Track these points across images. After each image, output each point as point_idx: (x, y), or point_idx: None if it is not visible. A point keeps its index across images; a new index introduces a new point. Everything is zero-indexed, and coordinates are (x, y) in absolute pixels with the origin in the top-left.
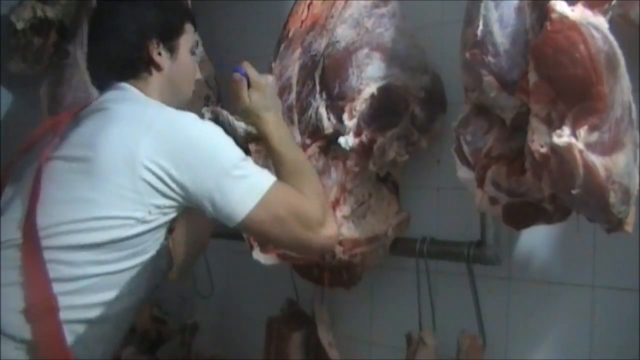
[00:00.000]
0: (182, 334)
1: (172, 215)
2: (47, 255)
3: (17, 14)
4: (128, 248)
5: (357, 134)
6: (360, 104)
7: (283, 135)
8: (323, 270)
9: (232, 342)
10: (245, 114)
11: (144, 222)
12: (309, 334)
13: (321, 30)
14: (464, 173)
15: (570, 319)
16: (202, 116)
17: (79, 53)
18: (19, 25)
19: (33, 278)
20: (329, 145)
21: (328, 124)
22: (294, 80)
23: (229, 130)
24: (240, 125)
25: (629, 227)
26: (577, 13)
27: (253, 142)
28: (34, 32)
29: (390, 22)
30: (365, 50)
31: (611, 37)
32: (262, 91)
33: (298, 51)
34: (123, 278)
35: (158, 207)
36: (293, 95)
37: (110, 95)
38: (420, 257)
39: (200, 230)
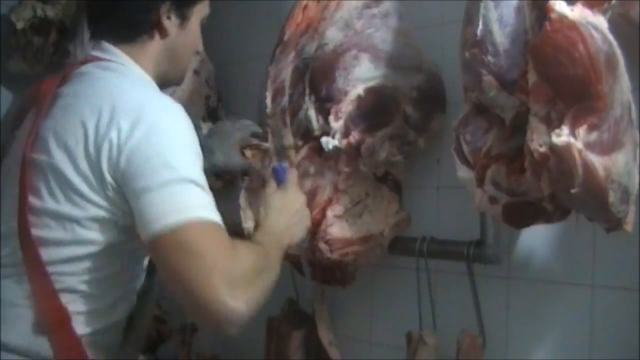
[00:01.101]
0: (182, 334)
1: None
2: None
3: (17, 13)
4: (121, 254)
5: (346, 135)
6: (346, 106)
7: (270, 249)
8: (315, 267)
9: (232, 342)
10: (257, 210)
11: (114, 223)
12: (309, 333)
13: (313, 33)
14: (464, 172)
15: (570, 318)
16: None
17: (79, 53)
18: (19, 25)
19: (40, 292)
20: (321, 146)
21: (317, 125)
22: (287, 83)
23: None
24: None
25: (629, 226)
26: (577, 13)
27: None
28: (34, 32)
29: (382, 22)
30: (353, 52)
31: (610, 37)
32: (277, 212)
33: (292, 54)
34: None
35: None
36: (286, 98)
37: (90, 68)
38: (420, 257)
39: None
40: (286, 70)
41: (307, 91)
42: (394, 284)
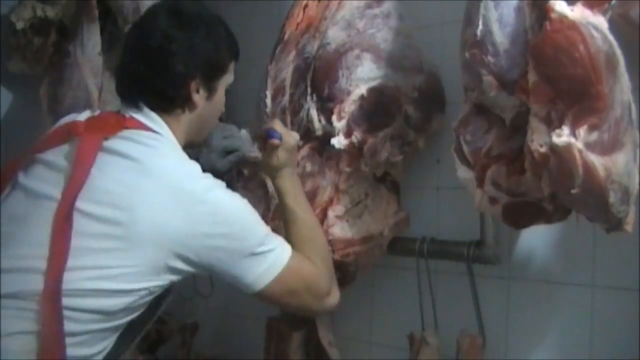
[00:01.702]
0: (182, 334)
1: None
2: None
3: (17, 14)
4: (133, 313)
5: (348, 135)
6: (349, 105)
7: (298, 192)
8: None
9: (232, 342)
10: (267, 169)
11: (154, 292)
12: (309, 333)
13: (314, 32)
14: (464, 173)
15: (570, 318)
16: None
17: (79, 53)
18: (19, 25)
19: (50, 335)
20: (323, 146)
21: (318, 125)
22: (288, 83)
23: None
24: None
25: (629, 226)
26: (577, 13)
27: (247, 166)
28: (34, 32)
29: (384, 23)
30: (356, 52)
31: (611, 37)
32: (289, 151)
33: (292, 53)
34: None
35: (172, 280)
36: (286, 97)
37: (138, 135)
38: (420, 257)
39: None
40: (287, 70)
41: (309, 90)
42: (394, 284)
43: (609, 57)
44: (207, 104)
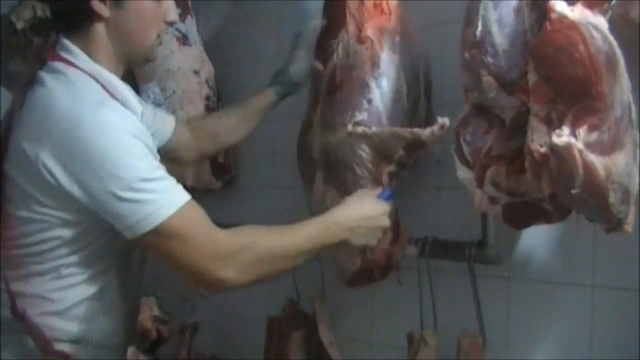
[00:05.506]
0: (182, 334)
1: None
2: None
3: (17, 14)
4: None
5: None
6: None
7: (323, 229)
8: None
9: (232, 342)
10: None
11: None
12: (309, 333)
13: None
14: (464, 173)
15: (570, 318)
16: None
17: None
18: (19, 25)
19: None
20: None
21: None
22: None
23: None
24: None
25: (629, 227)
26: (577, 13)
27: None
28: (34, 32)
29: None
30: None
31: (611, 37)
32: (359, 203)
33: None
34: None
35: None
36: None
37: (45, 76)
38: (421, 257)
39: None
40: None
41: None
42: (395, 284)
43: (609, 57)
44: (118, 12)
